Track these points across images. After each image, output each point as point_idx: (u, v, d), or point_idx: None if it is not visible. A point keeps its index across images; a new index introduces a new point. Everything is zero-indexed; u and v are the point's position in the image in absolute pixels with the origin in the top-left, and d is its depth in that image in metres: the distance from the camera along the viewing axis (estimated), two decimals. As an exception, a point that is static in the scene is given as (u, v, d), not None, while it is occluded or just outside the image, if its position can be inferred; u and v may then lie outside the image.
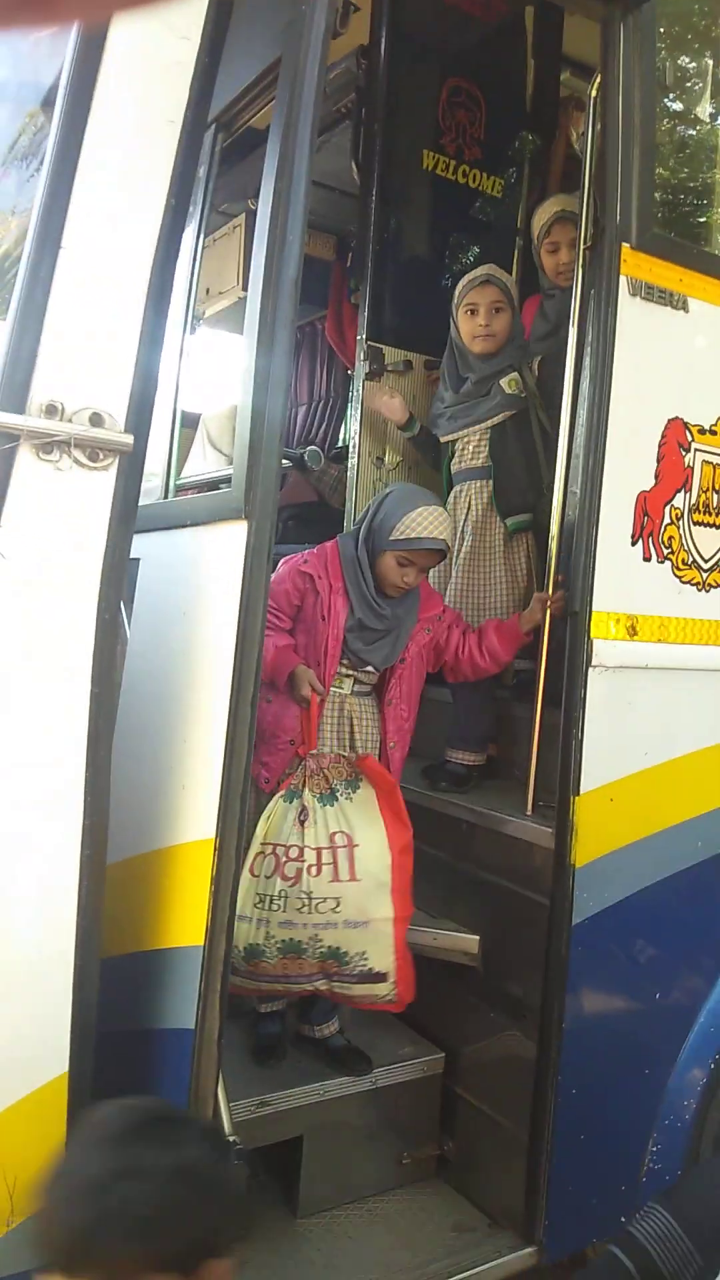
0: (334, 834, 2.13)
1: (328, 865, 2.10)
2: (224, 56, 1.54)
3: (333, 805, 2.16)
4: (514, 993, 2.26)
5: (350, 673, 2.26)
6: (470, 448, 2.68)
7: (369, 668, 2.27)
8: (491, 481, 2.62)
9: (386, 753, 2.30)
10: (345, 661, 2.24)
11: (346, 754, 2.24)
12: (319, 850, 2.11)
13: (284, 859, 2.10)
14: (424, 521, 2.16)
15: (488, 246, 3.20)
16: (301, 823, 2.14)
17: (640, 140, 2.05)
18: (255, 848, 2.11)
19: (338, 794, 2.18)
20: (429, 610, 2.33)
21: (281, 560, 2.25)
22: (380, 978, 2.14)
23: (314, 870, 2.10)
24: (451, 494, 2.73)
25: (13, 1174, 1.41)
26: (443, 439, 2.74)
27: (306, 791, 2.17)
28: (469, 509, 2.66)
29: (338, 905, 2.09)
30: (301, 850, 2.11)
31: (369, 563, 2.21)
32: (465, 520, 2.66)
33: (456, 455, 2.73)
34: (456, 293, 2.67)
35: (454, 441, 2.72)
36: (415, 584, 2.25)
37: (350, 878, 2.11)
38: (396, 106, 2.96)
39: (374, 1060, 2.29)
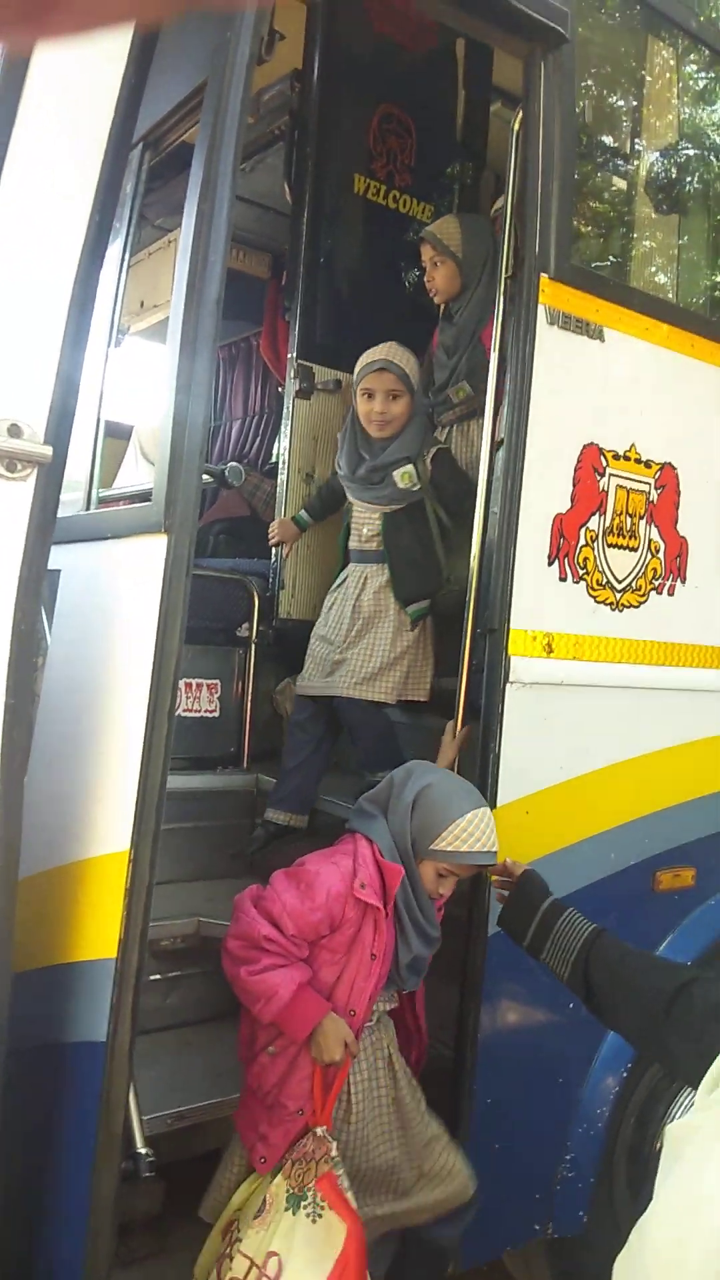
0: (270, 1254, 1.64)
1: None
2: (152, 76, 1.57)
3: (294, 1212, 1.66)
4: (432, 1003, 2.29)
5: (383, 1006, 1.96)
6: (365, 530, 2.64)
7: (407, 990, 1.98)
8: (386, 566, 2.59)
9: (411, 1067, 2.00)
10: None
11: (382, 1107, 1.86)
12: (250, 1263, 1.65)
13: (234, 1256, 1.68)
14: (478, 831, 1.81)
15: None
16: (256, 1218, 1.69)
17: (560, 174, 2.12)
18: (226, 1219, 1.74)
19: (305, 1200, 1.67)
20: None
21: (316, 864, 1.84)
22: None
23: None
24: (345, 571, 2.69)
25: None
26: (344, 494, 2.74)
27: (280, 1178, 1.70)
28: (364, 587, 2.60)
29: None
30: (243, 1256, 1.67)
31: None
32: (360, 597, 2.60)
33: (353, 533, 2.68)
34: (355, 372, 2.62)
35: (350, 513, 2.69)
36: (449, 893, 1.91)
37: None
38: (328, 131, 3.01)
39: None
